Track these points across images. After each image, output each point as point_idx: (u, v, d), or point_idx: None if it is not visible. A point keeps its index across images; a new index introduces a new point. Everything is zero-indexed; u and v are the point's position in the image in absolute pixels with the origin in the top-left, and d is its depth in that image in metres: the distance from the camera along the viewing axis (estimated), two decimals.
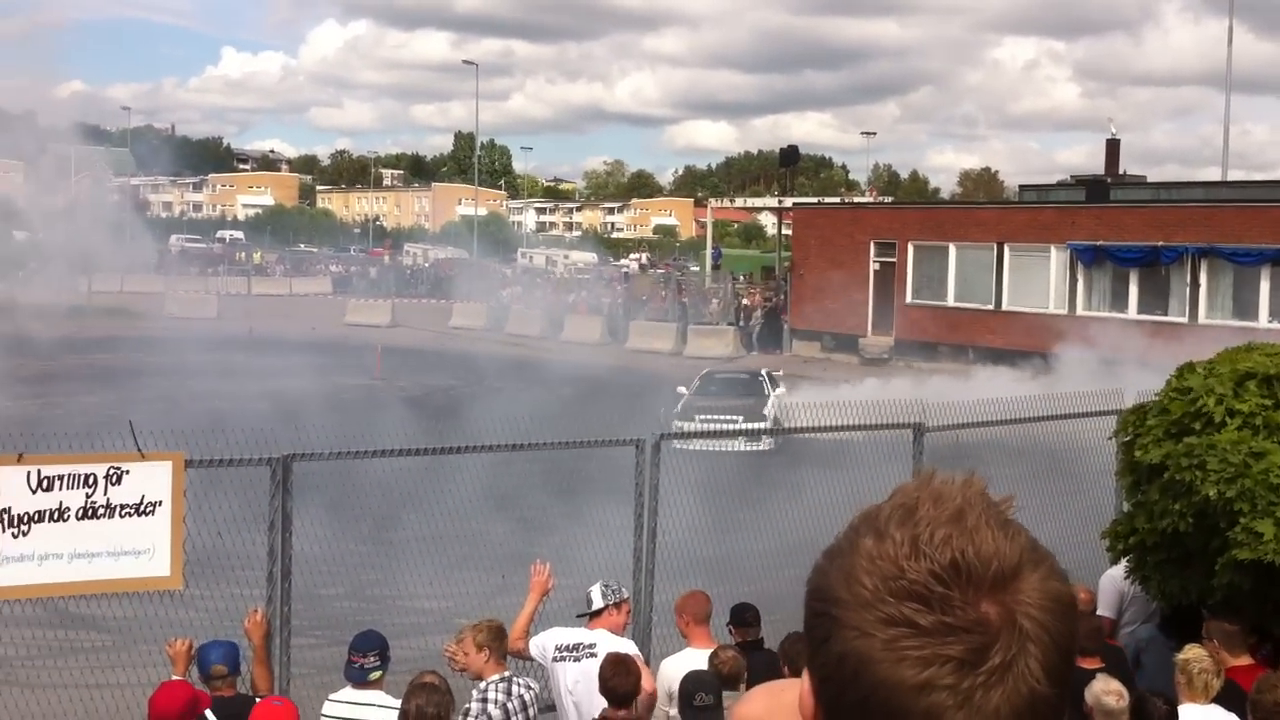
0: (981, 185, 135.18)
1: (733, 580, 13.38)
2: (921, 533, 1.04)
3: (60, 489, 6.33)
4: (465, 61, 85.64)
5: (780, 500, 15.65)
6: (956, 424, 10.42)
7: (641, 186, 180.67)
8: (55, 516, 6.33)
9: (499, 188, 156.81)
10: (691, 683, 6.12)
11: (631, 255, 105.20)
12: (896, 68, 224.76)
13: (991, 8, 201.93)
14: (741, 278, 54.23)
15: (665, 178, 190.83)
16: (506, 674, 6.47)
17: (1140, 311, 33.47)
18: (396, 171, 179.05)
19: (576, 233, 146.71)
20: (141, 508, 6.49)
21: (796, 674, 4.45)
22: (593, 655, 6.86)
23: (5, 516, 6.24)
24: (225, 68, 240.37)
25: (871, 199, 63.25)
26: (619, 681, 6.08)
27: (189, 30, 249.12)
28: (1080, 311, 34.60)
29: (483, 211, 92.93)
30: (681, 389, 24.02)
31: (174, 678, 5.97)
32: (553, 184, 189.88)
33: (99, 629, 10.54)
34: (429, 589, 13.12)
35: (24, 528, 6.28)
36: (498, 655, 6.48)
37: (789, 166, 53.25)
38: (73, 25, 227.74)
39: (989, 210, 42.39)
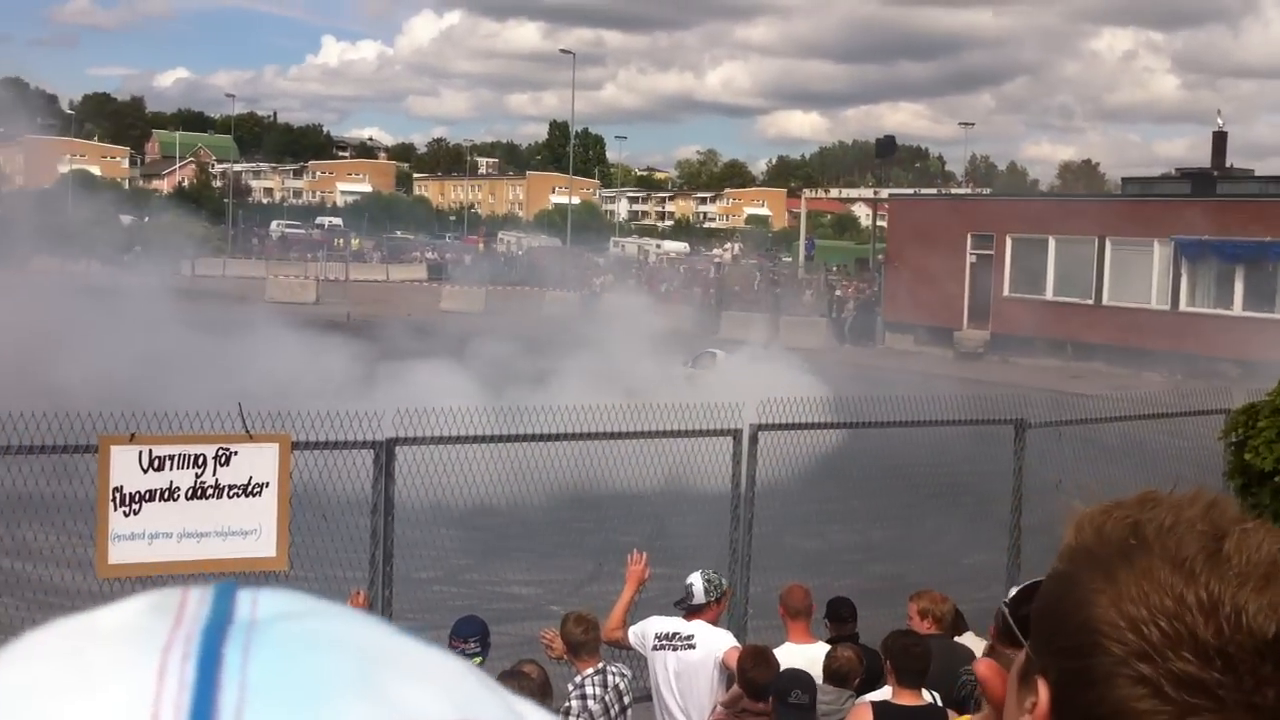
0: (1081, 177, 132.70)
1: (826, 573, 13.32)
2: (1243, 596, 0.88)
3: (170, 469, 6.45)
4: (562, 50, 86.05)
5: (872, 494, 15.54)
6: (1060, 420, 10.20)
7: (734, 176, 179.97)
8: (165, 496, 6.46)
9: (592, 177, 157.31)
10: (787, 679, 6.07)
11: (724, 245, 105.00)
12: (991, 58, 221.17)
13: None
14: (835, 269, 53.82)
15: (758, 167, 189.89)
16: (600, 665, 6.47)
17: (1246, 308, 32.62)
18: (491, 160, 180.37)
19: (669, 222, 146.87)
20: (249, 488, 6.60)
21: (899, 670, 4.32)
22: (690, 646, 6.84)
23: (117, 495, 6.38)
24: (325, 56, 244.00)
25: (969, 190, 62.42)
26: (759, 674, 6.05)
27: (291, 19, 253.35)
28: (1184, 308, 33.83)
29: (576, 200, 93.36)
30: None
31: None
32: (645, 173, 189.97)
33: None
34: (523, 575, 13.23)
35: (135, 507, 6.41)
36: (591, 647, 6.48)
37: (885, 157, 52.70)
38: (179, 14, 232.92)
39: (1090, 203, 41.60)
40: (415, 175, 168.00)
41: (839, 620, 7.58)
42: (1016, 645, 1.05)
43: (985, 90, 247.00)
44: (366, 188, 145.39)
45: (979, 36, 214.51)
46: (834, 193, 62.58)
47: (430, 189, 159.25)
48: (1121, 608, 0.91)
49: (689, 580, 6.99)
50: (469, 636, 6.29)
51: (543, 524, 13.86)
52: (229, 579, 0.59)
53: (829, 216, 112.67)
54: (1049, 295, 36.68)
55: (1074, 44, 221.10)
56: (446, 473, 8.83)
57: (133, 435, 6.44)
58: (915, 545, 14.63)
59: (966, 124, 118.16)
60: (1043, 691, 0.96)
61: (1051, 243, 36.62)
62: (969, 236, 38.49)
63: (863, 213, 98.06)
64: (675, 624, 6.96)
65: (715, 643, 6.86)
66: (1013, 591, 1.16)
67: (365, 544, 7.87)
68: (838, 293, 46.27)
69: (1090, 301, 35.67)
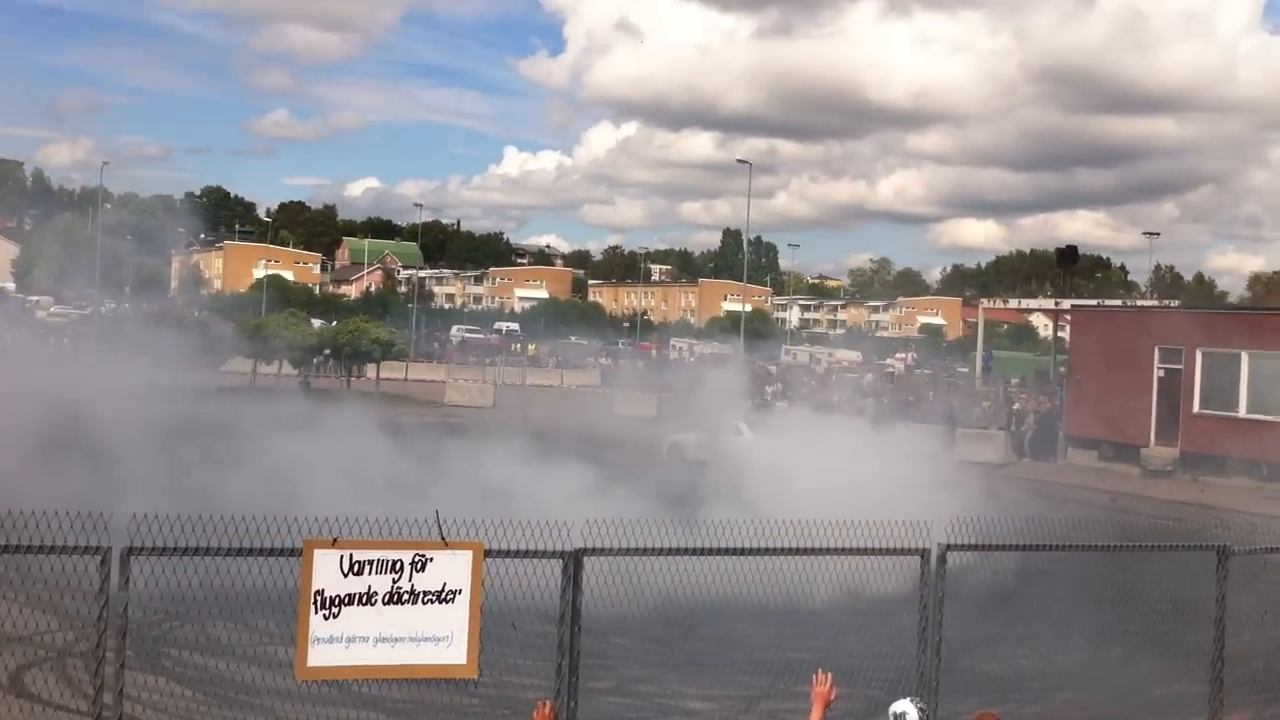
0: (1273, 290, 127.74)
1: (1010, 699, 12.88)
2: None
3: (369, 574, 6.64)
4: (739, 160, 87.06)
5: (1055, 617, 15.01)
6: (1268, 548, 9.74)
7: (907, 284, 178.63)
8: (363, 600, 6.64)
9: (764, 284, 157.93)
10: None
11: (897, 354, 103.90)
12: (1174, 166, 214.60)
13: (1276, 106, 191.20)
14: (1014, 381, 52.69)
15: (932, 276, 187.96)
16: None
17: None
18: (664, 267, 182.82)
19: (840, 330, 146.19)
20: (443, 595, 6.74)
21: None
22: None
23: (319, 598, 6.58)
24: (507, 166, 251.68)
25: (1155, 302, 60.70)
26: None
27: (476, 131, 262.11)
28: None
29: (748, 307, 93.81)
30: None
31: None
32: (817, 281, 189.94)
33: (382, 710, 10.92)
34: (695, 689, 13.13)
35: (334, 610, 6.60)
36: None
37: (1067, 267, 51.69)
38: (371, 126, 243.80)
39: None
40: (590, 282, 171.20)
41: None
42: None
43: (1168, 199, 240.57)
44: (543, 294, 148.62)
45: (1160, 145, 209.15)
46: (1012, 303, 61.57)
47: (605, 295, 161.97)
48: None
49: (899, 710, 6.74)
50: None
51: (715, 637, 13.77)
52: None
53: (1005, 326, 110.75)
54: (1242, 412, 35.24)
55: (1261, 152, 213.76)
56: (624, 583, 8.87)
57: (335, 539, 6.65)
58: (1104, 673, 14.07)
59: (1151, 234, 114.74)
60: None
61: (1244, 358, 35.29)
62: (1156, 350, 37.34)
63: (1041, 323, 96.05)
64: None
65: None
66: None
67: (547, 652, 7.92)
68: (1016, 405, 45.24)
69: None
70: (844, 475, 19.01)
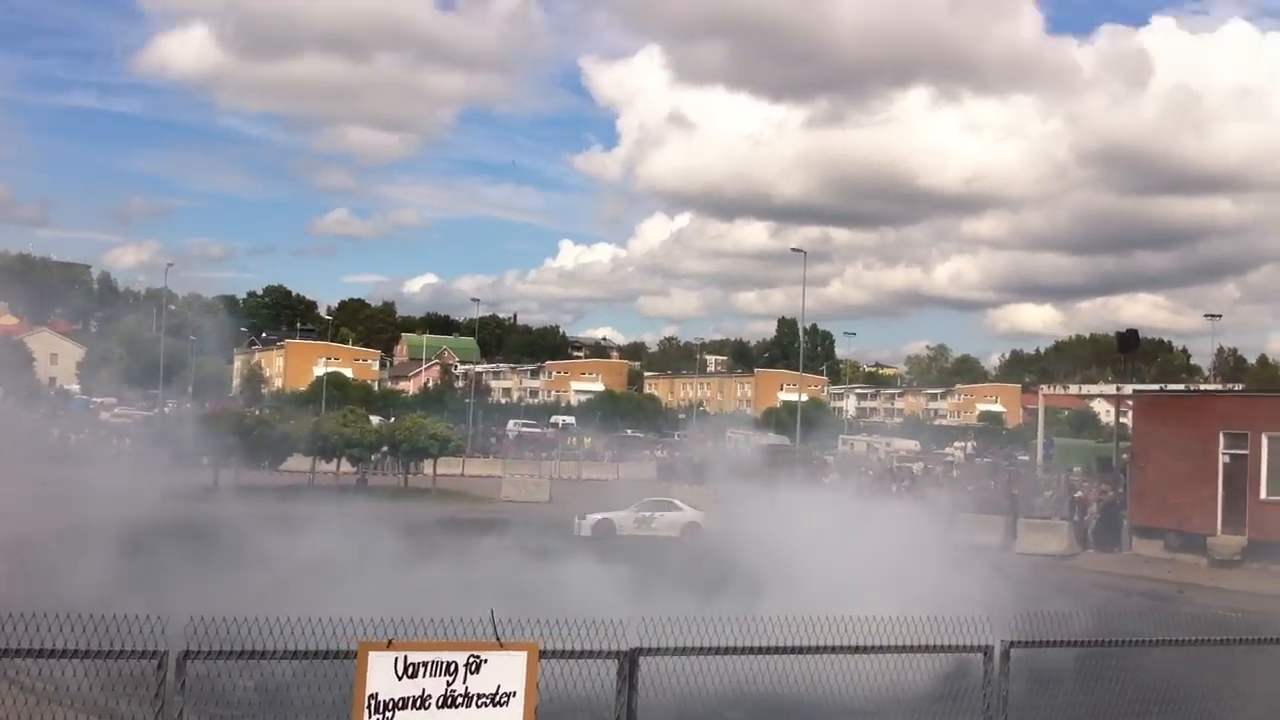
0: None
1: None
2: None
3: (423, 676, 6.58)
4: (794, 249, 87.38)
5: (1126, 716, 14.58)
6: None
7: (965, 371, 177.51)
8: (417, 704, 6.57)
9: (820, 373, 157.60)
10: None
11: (956, 443, 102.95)
12: (1233, 246, 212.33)
13: None
14: (1076, 469, 51.94)
15: (990, 362, 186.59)
16: None
17: None
18: (720, 358, 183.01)
19: (898, 419, 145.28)
20: (496, 698, 6.66)
21: None
22: None
23: (372, 703, 6.52)
24: (562, 259, 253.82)
25: (1219, 386, 59.78)
26: None
27: (533, 225, 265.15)
28: None
29: (804, 397, 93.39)
30: None
31: None
32: (873, 369, 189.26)
33: None
34: None
35: (388, 714, 6.54)
36: None
37: (1128, 352, 51.10)
38: (430, 223, 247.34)
39: None
40: (646, 374, 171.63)
41: None
42: None
43: (1229, 279, 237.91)
44: (599, 386, 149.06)
45: (1219, 225, 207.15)
46: (1073, 389, 60.80)
47: (660, 387, 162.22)
48: None
49: None
50: None
51: None
52: None
53: (1066, 413, 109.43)
54: None
55: None
56: (681, 682, 8.73)
57: (390, 642, 6.61)
58: None
59: (1212, 316, 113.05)
60: None
61: None
62: (1221, 435, 36.66)
63: (1102, 409, 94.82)
64: None
65: None
66: None
67: None
68: (1078, 494, 44.49)
69: None
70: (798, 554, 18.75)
